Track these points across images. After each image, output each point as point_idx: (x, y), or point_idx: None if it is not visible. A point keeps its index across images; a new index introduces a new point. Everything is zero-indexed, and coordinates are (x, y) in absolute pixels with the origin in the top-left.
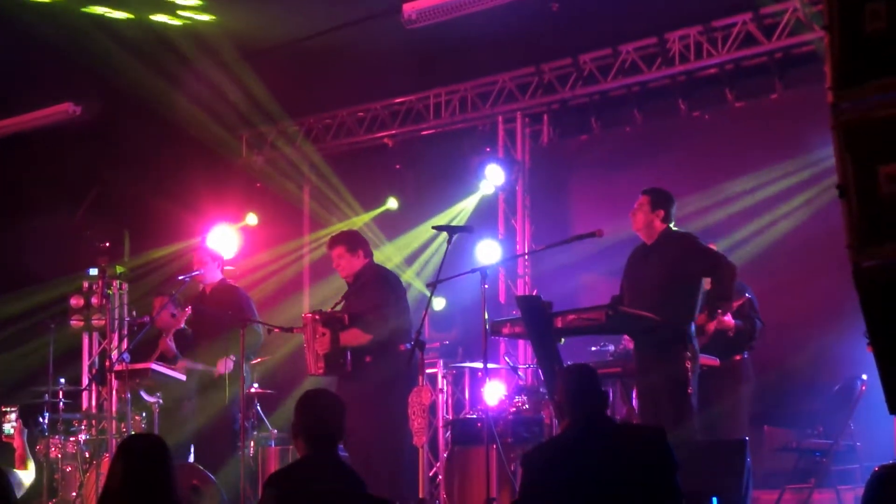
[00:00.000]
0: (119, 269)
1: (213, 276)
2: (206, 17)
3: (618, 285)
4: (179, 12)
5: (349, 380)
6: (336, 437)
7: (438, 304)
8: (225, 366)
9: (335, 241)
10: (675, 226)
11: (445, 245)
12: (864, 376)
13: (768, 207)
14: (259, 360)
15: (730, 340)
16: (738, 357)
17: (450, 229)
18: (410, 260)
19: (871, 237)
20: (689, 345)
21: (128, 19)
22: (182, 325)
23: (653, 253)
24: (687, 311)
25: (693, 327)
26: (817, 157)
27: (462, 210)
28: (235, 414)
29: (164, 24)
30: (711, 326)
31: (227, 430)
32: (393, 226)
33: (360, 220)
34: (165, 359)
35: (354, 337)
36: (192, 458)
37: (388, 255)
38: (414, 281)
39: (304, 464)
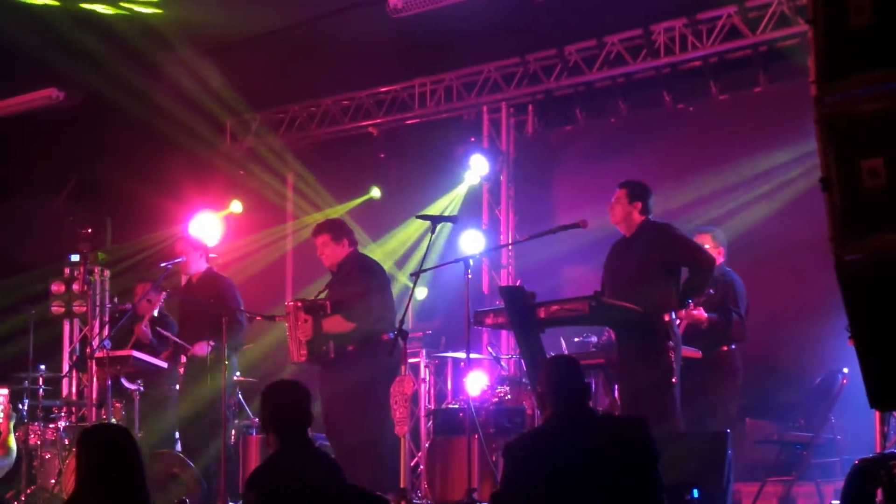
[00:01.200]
0: (101, 256)
1: (199, 265)
2: (149, 10)
3: (600, 277)
4: (123, 3)
5: (332, 369)
6: (305, 424)
7: (421, 293)
8: (202, 349)
9: (320, 229)
10: (653, 217)
11: (430, 237)
12: (846, 370)
13: (751, 200)
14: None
15: (705, 333)
16: (724, 348)
17: (433, 219)
18: (401, 262)
19: (854, 231)
20: (671, 335)
21: (50, 6)
22: (155, 312)
23: (632, 244)
24: (667, 300)
25: (675, 316)
26: (801, 150)
27: (452, 200)
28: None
29: (98, 13)
30: (681, 315)
31: (214, 418)
32: (377, 215)
33: (344, 209)
34: (141, 345)
35: (337, 324)
36: (178, 446)
37: (379, 258)
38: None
39: (281, 458)
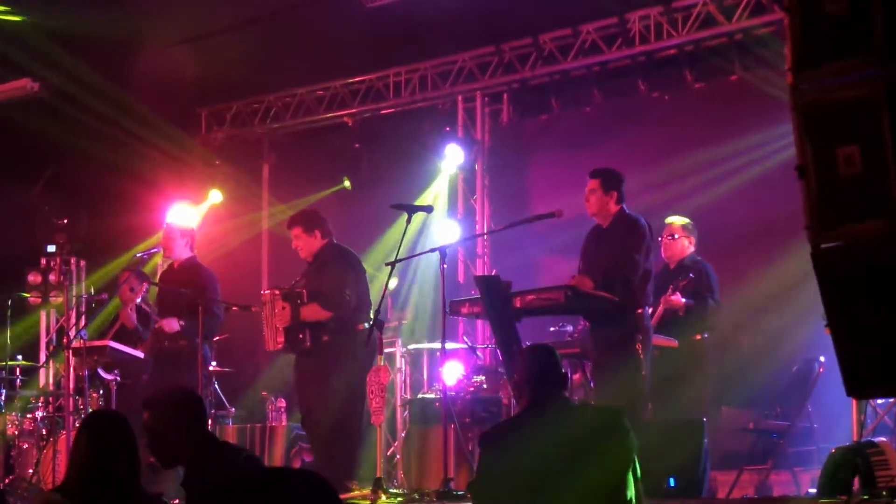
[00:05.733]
0: (77, 247)
1: (182, 252)
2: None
3: (576, 266)
4: None
5: (307, 358)
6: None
7: (392, 283)
8: (171, 324)
9: (292, 221)
10: (627, 207)
11: (405, 226)
12: (822, 358)
13: (727, 188)
14: (217, 338)
15: (682, 320)
16: (697, 337)
17: (409, 208)
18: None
19: (830, 219)
20: (640, 326)
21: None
22: (139, 300)
23: (606, 235)
24: (638, 292)
25: (647, 309)
26: (776, 138)
27: (436, 196)
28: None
29: None
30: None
31: None
32: (352, 205)
33: (316, 198)
34: (126, 331)
35: (314, 312)
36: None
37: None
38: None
39: (220, 459)
